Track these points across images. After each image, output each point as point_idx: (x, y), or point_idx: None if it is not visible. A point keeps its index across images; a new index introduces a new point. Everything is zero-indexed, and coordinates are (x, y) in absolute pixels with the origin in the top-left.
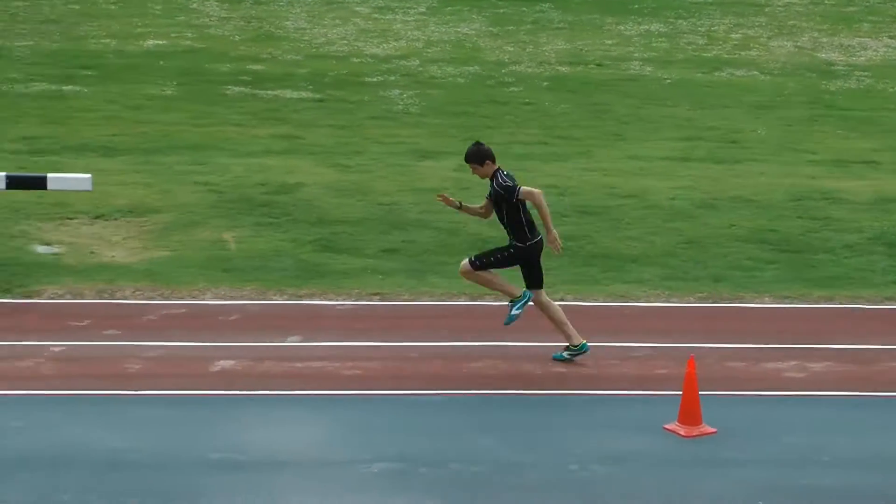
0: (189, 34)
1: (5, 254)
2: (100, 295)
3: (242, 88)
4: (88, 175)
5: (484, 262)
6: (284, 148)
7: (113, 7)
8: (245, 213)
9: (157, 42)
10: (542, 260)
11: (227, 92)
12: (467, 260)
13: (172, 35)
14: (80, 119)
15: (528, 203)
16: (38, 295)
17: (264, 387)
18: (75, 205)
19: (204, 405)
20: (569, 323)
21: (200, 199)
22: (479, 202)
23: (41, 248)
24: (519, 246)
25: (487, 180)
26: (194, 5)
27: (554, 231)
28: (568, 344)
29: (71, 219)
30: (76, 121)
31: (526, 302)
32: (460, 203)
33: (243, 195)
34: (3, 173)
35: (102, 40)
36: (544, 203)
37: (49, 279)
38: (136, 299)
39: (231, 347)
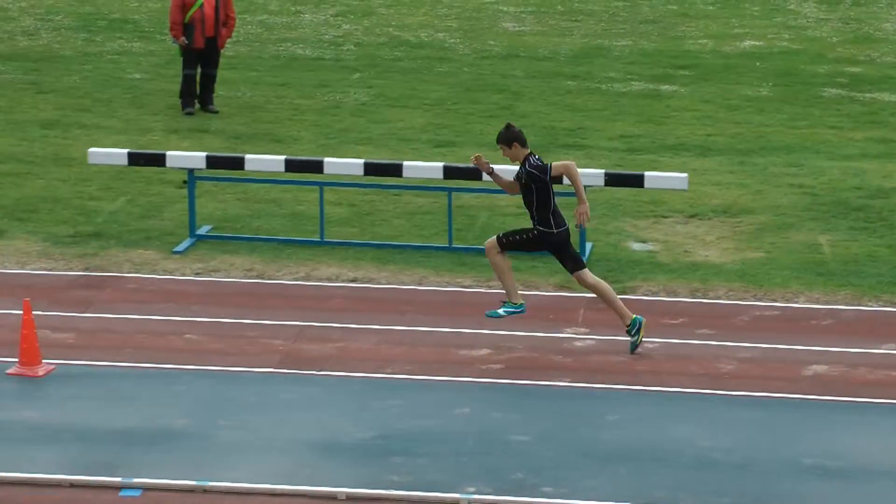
0: (786, 35)
1: (601, 249)
2: (693, 294)
3: (839, 91)
4: (684, 174)
5: (510, 240)
6: (881, 152)
7: (711, 8)
8: (840, 216)
9: (753, 43)
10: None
11: (824, 94)
12: (495, 238)
13: (769, 36)
14: (676, 118)
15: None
16: (633, 291)
17: (858, 394)
18: (670, 203)
19: (795, 409)
20: (619, 300)
21: (795, 201)
22: None
23: (636, 246)
24: (543, 231)
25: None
26: (791, 6)
27: (586, 203)
28: (624, 324)
29: (665, 217)
30: (672, 120)
31: (517, 312)
32: (492, 169)
33: (838, 199)
34: (602, 170)
35: (699, 41)
36: (577, 173)
37: (644, 276)
38: (728, 300)
39: (824, 352)
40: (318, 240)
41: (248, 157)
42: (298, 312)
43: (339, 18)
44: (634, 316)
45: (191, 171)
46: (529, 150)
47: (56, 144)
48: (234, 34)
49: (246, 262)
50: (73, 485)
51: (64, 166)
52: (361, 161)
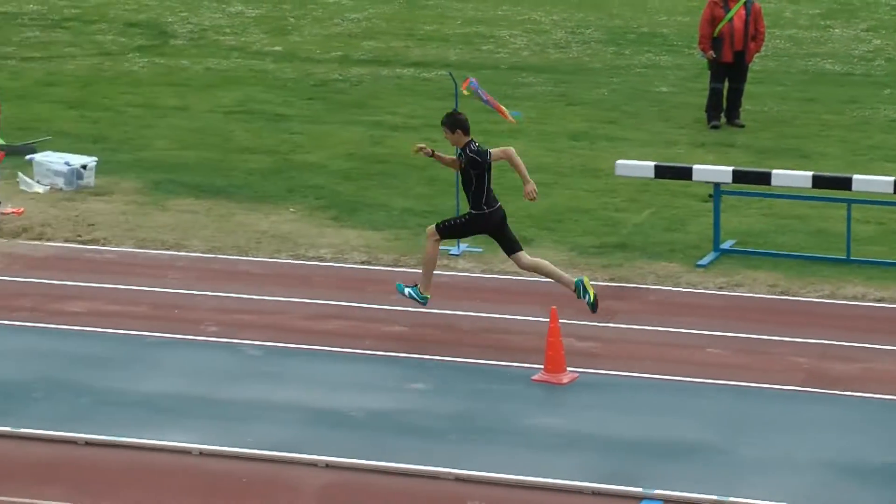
0: None
1: None
2: None
3: None
4: None
5: (447, 225)
6: None
7: None
8: None
9: None
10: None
11: None
12: (434, 225)
13: None
14: None
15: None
16: None
17: None
18: None
19: None
20: (563, 273)
21: None
22: None
23: None
24: (475, 214)
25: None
26: None
27: (531, 182)
28: (573, 291)
29: None
30: None
31: (419, 301)
32: (433, 151)
33: None
34: None
35: None
36: (518, 157)
37: None
38: None
39: None
40: (844, 257)
41: (774, 172)
42: (823, 330)
43: (870, 33)
44: (574, 279)
45: (717, 185)
46: (470, 138)
47: (583, 156)
48: (762, 48)
49: (769, 278)
50: (594, 493)
51: (591, 177)
52: (892, 179)
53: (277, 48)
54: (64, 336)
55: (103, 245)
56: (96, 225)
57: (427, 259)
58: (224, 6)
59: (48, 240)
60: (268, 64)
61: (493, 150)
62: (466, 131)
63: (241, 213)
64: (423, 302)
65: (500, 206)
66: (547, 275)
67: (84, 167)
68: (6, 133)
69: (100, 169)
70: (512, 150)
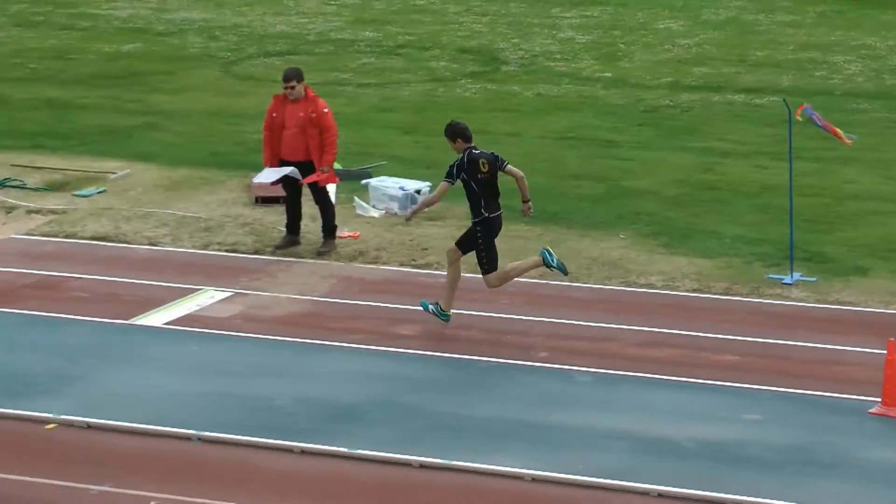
0: None
1: None
2: None
3: None
4: None
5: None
6: None
7: None
8: None
9: None
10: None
11: None
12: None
13: None
14: None
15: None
16: None
17: None
18: None
19: None
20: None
21: None
22: None
23: None
24: (477, 221)
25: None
26: None
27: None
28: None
29: None
30: None
31: (441, 320)
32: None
33: None
34: None
35: None
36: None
37: None
38: None
39: None
40: None
41: None
42: None
43: None
44: (539, 251)
45: None
46: (471, 145)
47: None
48: None
49: None
50: None
51: None
52: None
53: (607, 74)
54: (399, 359)
55: (437, 269)
56: (430, 249)
57: (450, 279)
58: (555, 32)
59: (383, 263)
60: (598, 90)
61: (508, 168)
62: (466, 139)
63: (571, 239)
64: (447, 319)
65: (501, 213)
66: (514, 275)
67: (418, 192)
68: (343, 158)
69: None
70: (521, 173)
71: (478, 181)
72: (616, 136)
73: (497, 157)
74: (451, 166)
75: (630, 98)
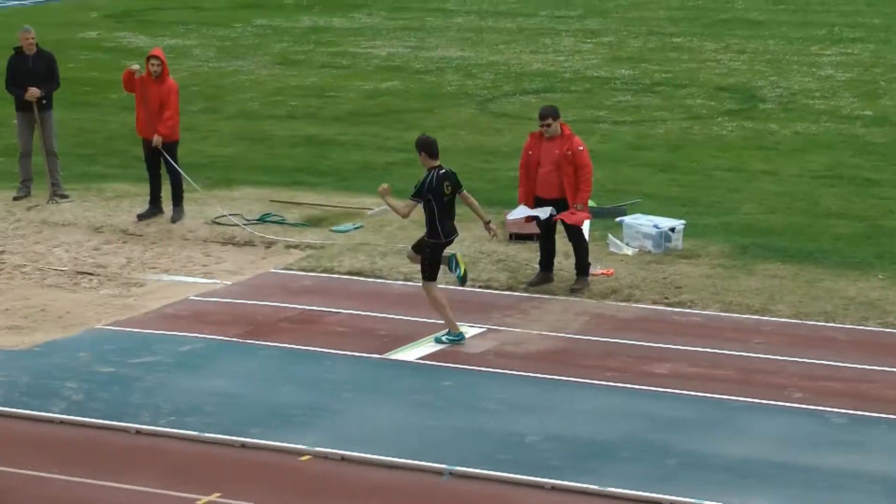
0: None
1: None
2: None
3: None
4: None
5: (424, 270)
6: None
7: None
8: None
9: None
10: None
11: None
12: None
13: None
14: None
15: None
16: None
17: None
18: None
19: None
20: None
21: None
22: None
23: None
24: (434, 244)
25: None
26: None
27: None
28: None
29: None
30: None
31: (458, 342)
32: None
33: None
34: None
35: None
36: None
37: None
38: None
39: None
40: None
41: None
42: None
43: None
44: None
45: None
46: (437, 163)
47: None
48: None
49: None
50: None
51: None
52: None
53: (868, 112)
54: (651, 397)
55: (690, 308)
56: (683, 288)
57: (436, 306)
58: (814, 70)
59: (636, 301)
60: (857, 128)
61: (463, 192)
62: (431, 155)
63: (828, 278)
64: (461, 338)
65: (455, 237)
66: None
67: (672, 230)
68: (597, 195)
69: (687, 232)
70: (468, 194)
71: (441, 203)
72: (876, 175)
73: (457, 178)
74: (420, 184)
75: (891, 136)
